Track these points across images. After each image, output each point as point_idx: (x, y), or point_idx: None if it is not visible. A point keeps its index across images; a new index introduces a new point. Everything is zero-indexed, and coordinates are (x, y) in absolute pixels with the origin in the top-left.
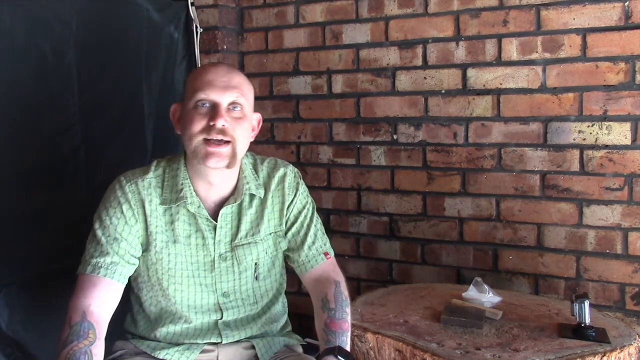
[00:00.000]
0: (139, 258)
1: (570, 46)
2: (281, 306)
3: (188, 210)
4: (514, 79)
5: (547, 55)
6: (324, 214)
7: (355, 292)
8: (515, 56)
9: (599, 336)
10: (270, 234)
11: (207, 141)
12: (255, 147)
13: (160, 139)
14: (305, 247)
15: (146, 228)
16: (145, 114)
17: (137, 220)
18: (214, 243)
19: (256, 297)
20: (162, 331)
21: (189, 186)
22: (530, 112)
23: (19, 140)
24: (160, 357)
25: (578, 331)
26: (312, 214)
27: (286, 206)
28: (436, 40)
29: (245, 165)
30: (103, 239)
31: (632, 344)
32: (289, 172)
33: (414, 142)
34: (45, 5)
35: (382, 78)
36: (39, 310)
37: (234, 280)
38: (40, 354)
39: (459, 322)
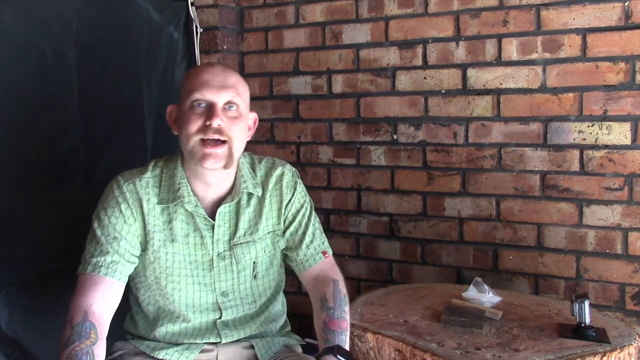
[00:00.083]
0: (138, 257)
1: (570, 46)
2: (280, 306)
3: (186, 210)
4: (514, 79)
5: (547, 55)
6: (324, 214)
7: (355, 292)
8: (515, 56)
9: (599, 336)
10: (269, 232)
11: (203, 142)
12: (255, 147)
13: (160, 139)
14: (304, 246)
15: (144, 227)
16: (145, 114)
17: (135, 220)
18: (212, 242)
19: (254, 296)
20: (161, 331)
21: (186, 186)
22: (530, 112)
23: (19, 140)
24: (160, 357)
25: (578, 331)
26: (310, 213)
27: (284, 205)
28: (436, 40)
29: (243, 164)
30: (102, 238)
31: (632, 344)
32: (287, 171)
33: (414, 142)
34: (45, 5)
35: (382, 78)
36: (39, 310)
37: (233, 279)
38: (40, 354)
39: (459, 322)
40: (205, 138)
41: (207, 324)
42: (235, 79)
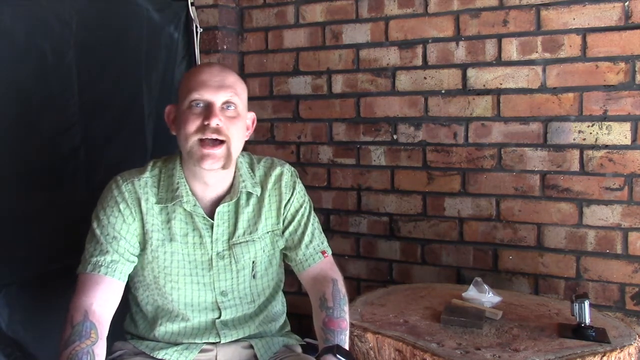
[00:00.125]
0: (137, 256)
1: (570, 46)
2: (280, 306)
3: (184, 209)
4: (514, 79)
5: (547, 55)
6: (324, 214)
7: (355, 292)
8: (515, 56)
9: (599, 336)
10: (268, 232)
11: (202, 142)
12: (255, 147)
13: (160, 139)
14: (303, 245)
15: (142, 226)
16: (145, 114)
17: (134, 219)
18: (212, 241)
19: (253, 296)
20: (161, 330)
21: (185, 185)
22: (530, 112)
23: (19, 140)
24: (159, 357)
25: (578, 331)
26: (310, 212)
27: (283, 205)
28: (436, 40)
29: (241, 164)
30: (102, 238)
31: (632, 344)
32: (286, 171)
33: (414, 142)
34: (45, 5)
35: (382, 78)
36: (39, 310)
37: (232, 278)
38: (40, 354)
39: (459, 322)
40: (204, 138)
41: (206, 323)
42: (233, 78)
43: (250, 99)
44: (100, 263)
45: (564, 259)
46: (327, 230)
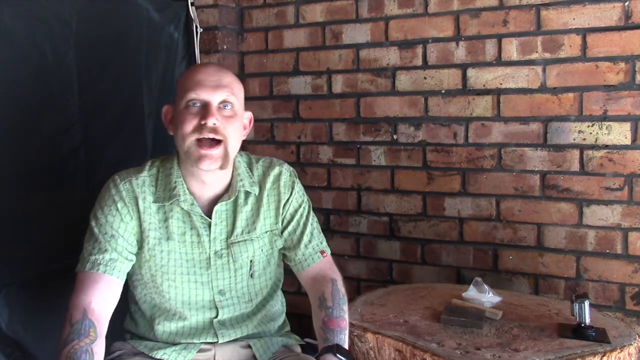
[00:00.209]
0: (135, 254)
1: (570, 46)
2: (279, 305)
3: (182, 208)
4: (514, 79)
5: (547, 55)
6: (324, 214)
7: (355, 292)
8: (515, 56)
9: (599, 336)
10: (266, 232)
11: (199, 142)
12: (255, 147)
13: (160, 139)
14: (302, 245)
15: (140, 225)
16: (145, 114)
17: (132, 218)
18: (209, 240)
19: (251, 295)
20: (159, 329)
21: (182, 184)
22: (530, 112)
23: (19, 140)
24: (158, 357)
25: (578, 331)
26: (308, 212)
27: (282, 205)
28: (436, 40)
29: (239, 163)
30: (100, 237)
31: (632, 344)
32: (285, 171)
33: (414, 142)
34: (45, 5)
35: (382, 78)
36: (39, 310)
37: (230, 277)
38: (40, 354)
39: (459, 322)
40: (201, 137)
41: (203, 323)
42: (229, 78)
43: (251, 99)
44: (98, 261)
45: (564, 259)
46: (327, 230)
